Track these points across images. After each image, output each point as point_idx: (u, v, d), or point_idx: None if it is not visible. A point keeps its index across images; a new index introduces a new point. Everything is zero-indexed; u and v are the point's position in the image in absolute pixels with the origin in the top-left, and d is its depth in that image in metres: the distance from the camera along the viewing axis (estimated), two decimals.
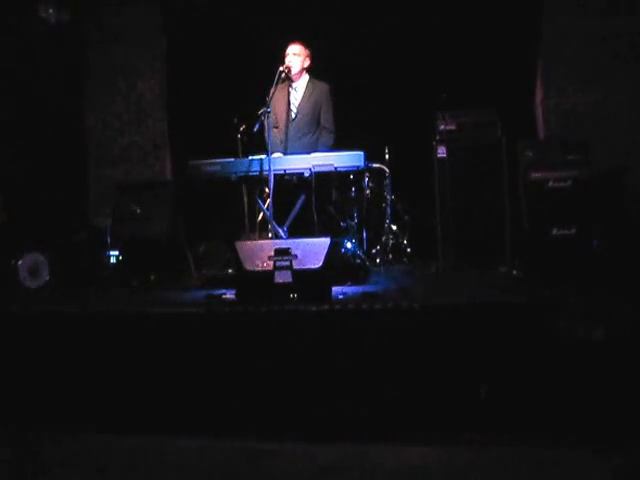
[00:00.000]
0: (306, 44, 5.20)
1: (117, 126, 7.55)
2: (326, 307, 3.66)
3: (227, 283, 4.68)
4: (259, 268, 3.93)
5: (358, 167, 4.78)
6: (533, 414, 3.24)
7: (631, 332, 3.26)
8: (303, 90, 5.24)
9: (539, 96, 6.69)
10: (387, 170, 6.30)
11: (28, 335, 3.93)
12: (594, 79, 6.38)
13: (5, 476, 3.11)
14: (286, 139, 5.21)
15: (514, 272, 5.08)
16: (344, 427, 3.37)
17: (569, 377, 3.25)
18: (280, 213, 4.97)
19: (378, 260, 6.12)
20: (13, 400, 3.80)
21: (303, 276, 3.88)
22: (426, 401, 3.37)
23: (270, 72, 4.97)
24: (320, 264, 3.89)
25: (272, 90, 4.87)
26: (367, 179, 6.19)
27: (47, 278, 5.61)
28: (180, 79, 7.39)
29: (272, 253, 3.93)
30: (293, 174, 4.78)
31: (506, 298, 3.89)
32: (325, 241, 3.95)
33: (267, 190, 4.88)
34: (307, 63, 5.21)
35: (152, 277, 5.72)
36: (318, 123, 5.21)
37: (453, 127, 5.62)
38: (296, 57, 5.13)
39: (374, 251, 6.22)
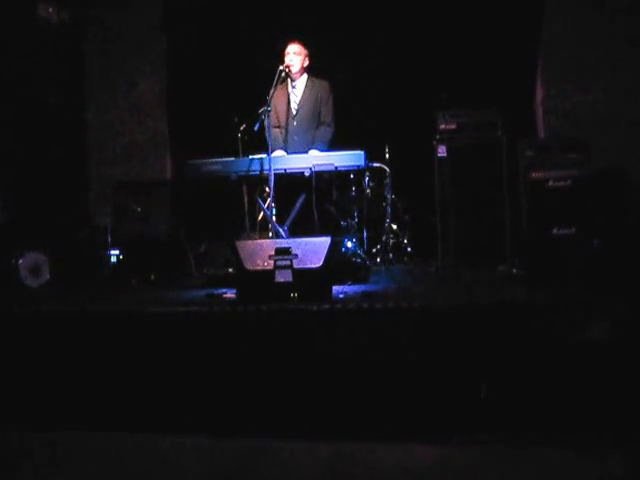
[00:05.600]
0: (305, 43, 5.23)
1: (117, 125, 7.55)
2: (326, 306, 3.66)
3: (228, 282, 4.69)
4: (260, 267, 3.94)
5: (358, 166, 4.79)
6: (533, 414, 3.24)
7: (631, 332, 3.26)
8: (303, 88, 5.27)
9: (539, 96, 6.69)
10: (387, 169, 6.30)
11: (28, 334, 3.93)
12: (594, 79, 6.38)
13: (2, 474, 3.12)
14: (287, 136, 5.24)
15: (514, 271, 5.09)
16: (344, 426, 3.38)
17: (569, 377, 3.26)
18: (280, 212, 4.98)
19: (378, 259, 6.12)
20: (13, 399, 3.81)
21: (303, 275, 3.88)
22: (426, 401, 3.38)
23: (270, 72, 4.98)
24: (320, 263, 3.89)
25: (272, 89, 4.89)
26: (367, 178, 6.20)
27: (48, 277, 5.61)
28: (180, 78, 7.39)
29: (272, 252, 3.93)
30: (294, 173, 4.78)
31: (506, 298, 3.89)
32: (325, 240, 3.95)
33: (267, 189, 4.89)
34: (306, 62, 5.24)
35: (152, 276, 5.73)
36: (319, 120, 5.24)
37: (453, 126, 5.62)
38: (296, 56, 5.16)
39: (374, 250, 6.22)
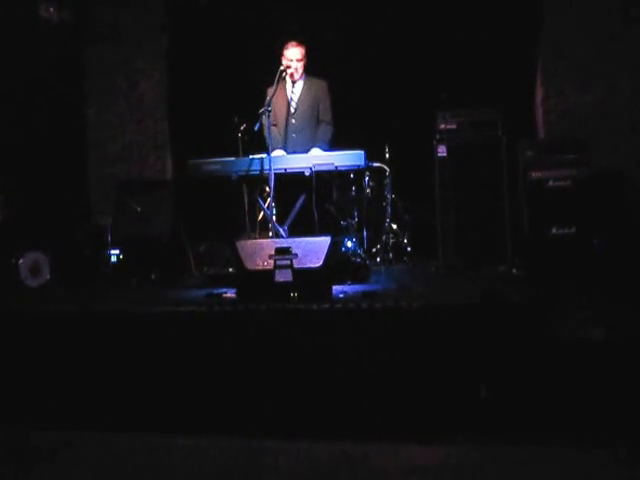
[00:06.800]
0: (303, 43, 5.22)
1: (118, 125, 7.54)
2: (326, 306, 3.67)
3: (228, 282, 4.69)
4: (260, 267, 3.94)
5: (359, 166, 4.80)
6: (533, 414, 3.24)
7: (630, 332, 3.27)
8: (301, 87, 5.29)
9: (539, 96, 6.68)
10: (387, 169, 6.30)
11: (29, 334, 3.94)
12: (594, 79, 6.37)
13: (3, 475, 3.12)
14: (286, 136, 5.25)
15: (514, 271, 5.09)
16: (344, 426, 3.38)
17: (569, 377, 3.26)
18: (281, 212, 4.98)
19: (378, 259, 6.12)
20: (13, 399, 3.81)
21: (303, 275, 3.89)
22: (426, 400, 3.38)
23: (270, 71, 4.98)
24: (320, 263, 3.89)
25: (273, 90, 4.89)
26: (367, 178, 6.20)
27: (48, 277, 5.61)
28: (181, 78, 7.39)
29: (273, 252, 3.93)
30: (294, 173, 4.79)
31: (506, 298, 3.89)
32: (325, 240, 3.95)
33: (267, 189, 4.89)
34: (305, 62, 5.25)
35: (153, 276, 5.73)
36: (317, 119, 5.25)
37: (453, 126, 5.61)
38: (299, 62, 5.17)
39: (374, 250, 6.22)
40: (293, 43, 5.17)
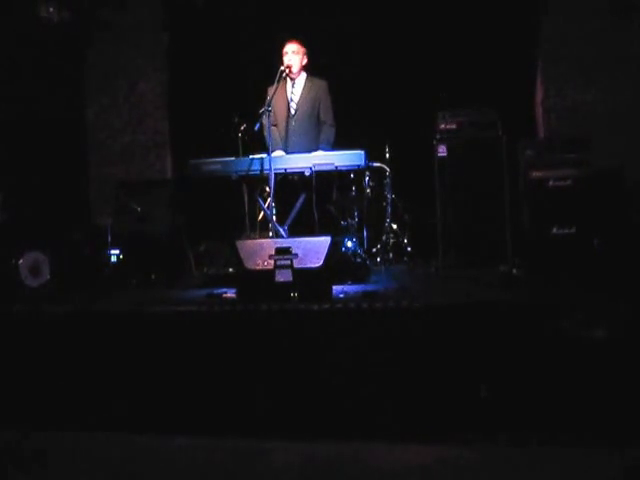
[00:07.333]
0: (302, 42, 5.24)
1: (118, 125, 7.55)
2: (327, 306, 3.66)
3: (228, 282, 4.69)
4: (260, 267, 3.94)
5: (359, 166, 4.79)
6: (533, 414, 3.24)
7: (631, 332, 3.26)
8: (301, 87, 5.29)
9: (539, 95, 6.69)
10: (387, 169, 6.31)
11: (29, 334, 3.93)
12: (594, 79, 6.38)
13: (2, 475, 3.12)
14: (286, 136, 5.25)
15: (514, 271, 5.08)
16: (344, 426, 3.38)
17: (569, 377, 3.26)
18: (281, 212, 4.98)
19: (378, 259, 6.13)
20: (13, 400, 3.81)
21: (304, 275, 3.88)
22: (426, 400, 3.38)
23: (270, 71, 4.99)
24: (321, 263, 3.89)
25: (273, 89, 4.89)
26: (368, 178, 6.20)
27: (48, 277, 5.60)
28: (181, 78, 7.40)
29: (273, 252, 3.93)
30: (294, 173, 4.79)
31: (506, 298, 3.89)
32: (326, 240, 3.95)
33: (268, 189, 4.89)
34: (305, 60, 5.25)
35: (153, 276, 5.73)
36: (318, 120, 5.25)
37: (453, 126, 5.62)
38: (295, 55, 5.17)
39: (374, 250, 6.22)
40: (292, 40, 5.19)
